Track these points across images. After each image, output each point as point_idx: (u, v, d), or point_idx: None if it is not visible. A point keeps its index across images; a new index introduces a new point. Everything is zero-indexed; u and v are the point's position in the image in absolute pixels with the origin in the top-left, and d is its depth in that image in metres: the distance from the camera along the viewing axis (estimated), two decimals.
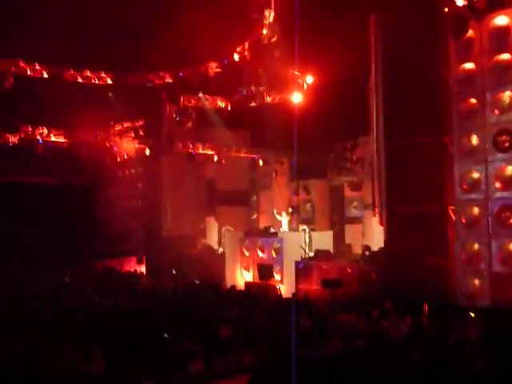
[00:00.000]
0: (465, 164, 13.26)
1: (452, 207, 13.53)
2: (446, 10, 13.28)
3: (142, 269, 22.59)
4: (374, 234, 17.82)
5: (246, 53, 17.99)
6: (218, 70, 18.89)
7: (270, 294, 16.93)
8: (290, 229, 20.08)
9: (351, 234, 20.12)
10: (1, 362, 7.10)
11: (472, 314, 10.87)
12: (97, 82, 19.11)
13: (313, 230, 20.03)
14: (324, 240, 18.96)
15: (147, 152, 21.71)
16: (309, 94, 19.55)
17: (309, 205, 22.19)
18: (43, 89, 17.83)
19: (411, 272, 13.28)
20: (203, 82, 19.28)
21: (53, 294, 14.82)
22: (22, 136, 18.69)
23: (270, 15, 16.85)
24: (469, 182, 13.14)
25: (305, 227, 19.59)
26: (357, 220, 20.12)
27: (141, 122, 22.86)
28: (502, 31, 12.64)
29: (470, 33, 13.10)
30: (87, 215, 22.51)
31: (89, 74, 18.85)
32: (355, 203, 20.36)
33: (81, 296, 14.30)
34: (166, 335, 8.99)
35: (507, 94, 12.57)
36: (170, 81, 19.88)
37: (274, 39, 16.99)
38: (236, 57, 18.17)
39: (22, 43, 16.11)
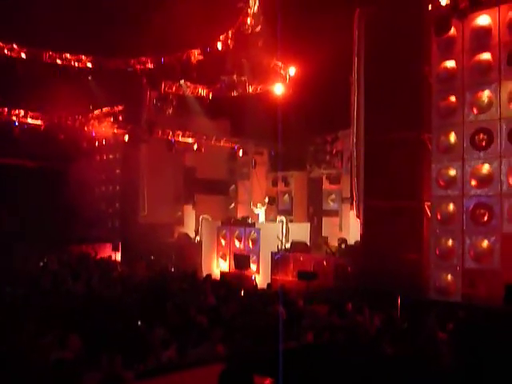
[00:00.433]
0: (442, 161, 13.43)
1: (428, 203, 13.71)
2: (430, 7, 13.40)
3: (118, 255, 22.46)
4: (350, 227, 17.99)
5: (229, 41, 17.86)
6: (201, 57, 18.70)
7: (246, 283, 17.00)
8: (267, 219, 20.14)
9: (328, 226, 20.28)
10: None
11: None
12: (76, 65, 18.77)
13: (291, 221, 20.15)
14: (301, 232, 19.09)
15: (126, 138, 21.52)
16: (291, 85, 19.58)
17: (287, 196, 22.29)
18: (21, 70, 17.46)
19: (386, 266, 13.44)
20: (185, 69, 19.05)
21: (28, 277, 14.64)
22: None
23: (254, 5, 16.75)
24: (445, 178, 13.32)
25: (283, 218, 19.69)
26: (334, 213, 20.28)
27: (120, 108, 22.60)
28: (484, 31, 12.79)
29: (452, 31, 13.24)
30: (63, 199, 22.24)
31: (68, 57, 18.48)
32: (333, 196, 20.51)
33: (55, 281, 14.13)
34: (139, 322, 8.96)
35: (486, 93, 12.73)
36: (152, 66, 19.63)
37: (257, 29, 16.88)
38: (219, 45, 18.03)
39: None
